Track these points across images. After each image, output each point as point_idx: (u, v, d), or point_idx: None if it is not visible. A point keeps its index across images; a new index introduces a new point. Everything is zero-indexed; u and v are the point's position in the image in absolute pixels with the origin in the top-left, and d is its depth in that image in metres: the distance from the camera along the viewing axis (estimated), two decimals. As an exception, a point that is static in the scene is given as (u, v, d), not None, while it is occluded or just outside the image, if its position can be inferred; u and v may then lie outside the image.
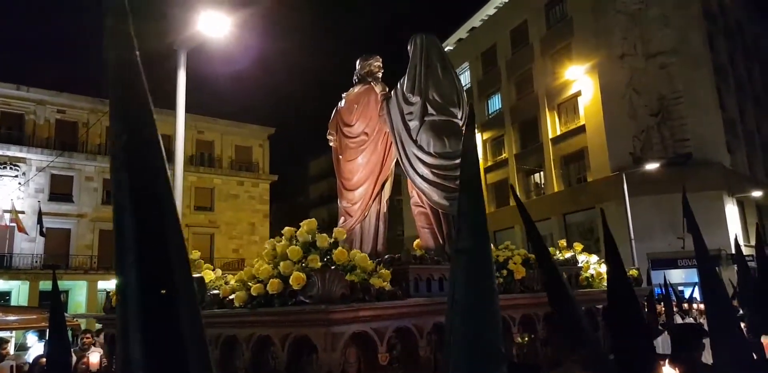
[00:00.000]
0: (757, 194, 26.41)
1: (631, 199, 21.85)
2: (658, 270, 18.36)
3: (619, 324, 2.44)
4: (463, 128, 4.65)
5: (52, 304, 4.58)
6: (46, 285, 27.40)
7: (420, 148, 4.50)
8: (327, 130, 5.37)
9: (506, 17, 33.45)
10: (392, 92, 4.91)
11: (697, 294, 21.11)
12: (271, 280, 3.18)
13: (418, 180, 4.57)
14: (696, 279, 21.80)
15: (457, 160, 4.38)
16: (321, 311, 2.81)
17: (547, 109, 29.63)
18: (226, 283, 4.07)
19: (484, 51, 34.82)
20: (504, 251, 4.64)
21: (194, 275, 3.89)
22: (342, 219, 5.11)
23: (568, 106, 29.12)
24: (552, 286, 2.11)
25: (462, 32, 38.04)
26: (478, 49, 35.36)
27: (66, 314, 8.59)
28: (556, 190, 28.83)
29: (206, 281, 4.08)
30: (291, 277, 3.05)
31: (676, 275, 21.47)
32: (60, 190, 30.43)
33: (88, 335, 8.70)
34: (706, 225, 22.80)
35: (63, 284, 27.20)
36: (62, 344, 4.14)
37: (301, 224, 3.46)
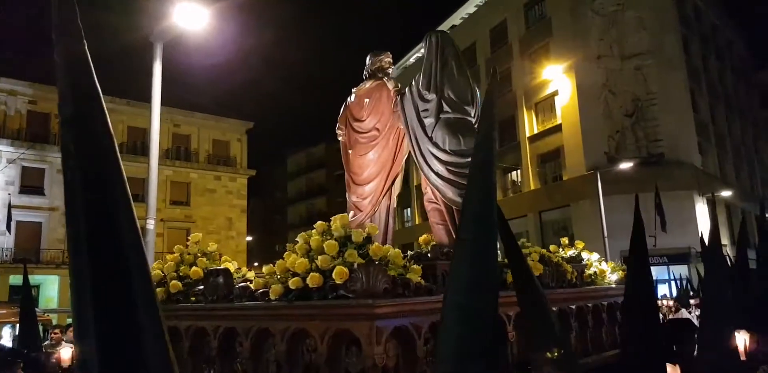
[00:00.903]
0: (726, 193, 27.06)
1: (605, 197, 22.21)
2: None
3: (637, 324, 2.47)
4: (476, 125, 4.69)
5: (23, 298, 4.51)
6: (16, 279, 26.86)
7: (435, 145, 4.53)
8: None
9: (486, 16, 33.65)
10: (407, 89, 4.94)
11: (667, 291, 21.59)
12: (311, 274, 3.18)
13: (433, 177, 4.60)
14: (666, 276, 22.30)
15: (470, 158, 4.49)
16: (367, 305, 2.85)
17: (524, 108, 29.94)
18: (243, 276, 4.03)
19: (464, 49, 34.95)
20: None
21: (219, 268, 3.86)
22: (351, 213, 5.07)
23: (545, 106, 29.44)
24: (522, 285, 2.13)
25: (443, 29, 38.20)
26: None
27: (37, 309, 8.47)
28: (532, 188, 29.17)
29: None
30: (334, 271, 3.06)
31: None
32: (31, 182, 29.81)
33: (57, 331, 8.58)
34: (677, 223, 23.40)
35: (34, 279, 26.70)
36: (32, 339, 4.09)
37: (332, 218, 3.50)
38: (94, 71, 1.13)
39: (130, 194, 1.13)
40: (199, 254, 4.38)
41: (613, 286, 5.65)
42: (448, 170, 4.52)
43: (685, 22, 29.28)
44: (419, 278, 3.38)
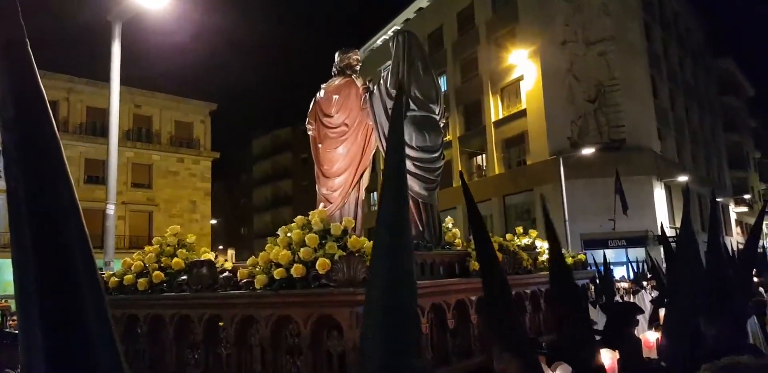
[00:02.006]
0: (683, 178, 27.92)
1: (567, 182, 22.67)
2: (590, 250, 19.24)
3: (561, 305, 2.59)
4: (441, 123, 5.00)
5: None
6: (-29, 264, 26.05)
7: None
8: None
9: (453, -1, 33.56)
10: (375, 87, 5.12)
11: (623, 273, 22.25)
12: (295, 265, 3.39)
13: None
14: (624, 259, 22.99)
15: (436, 154, 4.81)
16: (349, 293, 3.10)
17: (490, 93, 30.13)
18: (221, 266, 4.21)
19: (431, 32, 34.88)
20: None
21: (203, 259, 4.04)
22: (321, 205, 5.33)
23: (510, 91, 29.69)
24: (488, 270, 2.18)
25: (409, 12, 37.94)
26: (425, 30, 35.35)
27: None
28: (497, 172, 29.53)
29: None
30: (317, 263, 3.29)
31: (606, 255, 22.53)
32: (-16, 164, 28.78)
33: (15, 318, 8.41)
34: (636, 207, 24.04)
35: (-11, 263, 25.95)
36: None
37: (311, 213, 3.71)
38: (36, 67, 1.07)
39: (77, 200, 1.09)
40: (177, 246, 4.50)
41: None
42: (414, 165, 4.73)
43: (647, 9, 29.77)
44: None
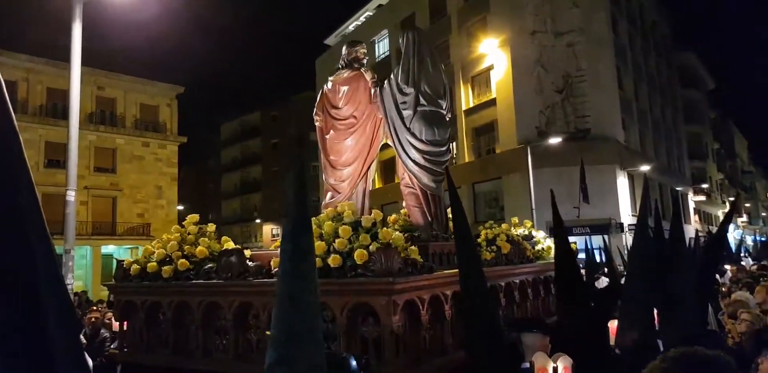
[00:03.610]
0: (645, 168, 28.68)
1: (535, 170, 23.08)
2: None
3: (567, 291, 2.71)
4: (447, 117, 5.26)
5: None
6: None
7: (413, 135, 4.96)
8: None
9: (425, -14, 33.46)
10: (386, 82, 5.27)
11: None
12: (332, 255, 3.58)
13: (410, 164, 5.03)
14: (588, 246, 23.50)
15: (444, 147, 5.07)
16: (387, 282, 3.31)
17: (461, 82, 30.29)
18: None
19: (403, 19, 34.74)
20: (491, 230, 5.25)
21: (233, 248, 4.15)
22: (329, 194, 5.48)
23: (481, 80, 29.90)
24: (466, 261, 2.26)
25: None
26: (397, 18, 35.23)
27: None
28: (467, 160, 29.83)
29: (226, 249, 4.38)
30: (355, 254, 3.49)
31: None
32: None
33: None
34: (600, 196, 24.65)
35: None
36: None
37: (340, 205, 3.96)
38: None
39: (38, 198, 1.09)
40: (198, 234, 4.59)
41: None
42: (424, 158, 4.98)
43: (614, 2, 30.22)
44: (420, 258, 3.88)
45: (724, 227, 4.12)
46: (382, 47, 37.44)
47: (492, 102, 28.49)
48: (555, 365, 2.64)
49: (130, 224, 33.65)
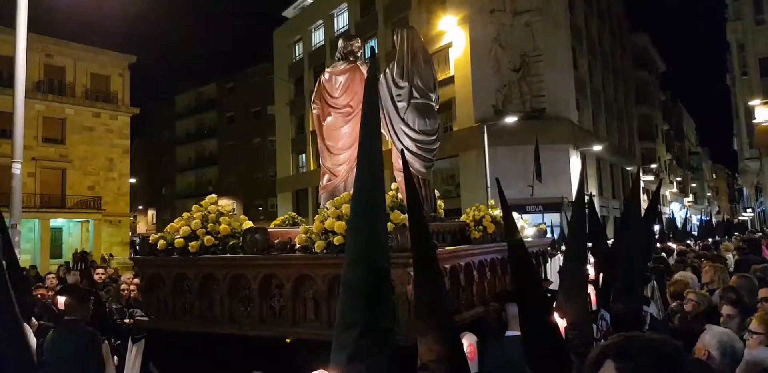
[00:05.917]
0: (597, 148, 29.58)
1: (490, 149, 23.54)
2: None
3: (518, 273, 3.00)
4: (435, 108, 5.71)
5: None
6: None
7: (407, 125, 5.44)
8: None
9: (387, -40, 33.03)
10: (381, 75, 5.65)
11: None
12: None
13: (404, 151, 5.42)
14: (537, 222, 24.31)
15: (434, 136, 5.53)
16: (404, 257, 3.62)
17: (420, 58, 30.28)
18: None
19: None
20: (477, 212, 5.64)
21: (257, 226, 4.67)
22: (326, 177, 5.93)
23: (440, 57, 29.96)
24: (420, 244, 2.43)
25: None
26: (357, -10, 34.80)
27: None
28: (423, 137, 30.06)
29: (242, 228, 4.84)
30: None
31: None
32: None
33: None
34: (553, 174, 25.33)
35: None
36: None
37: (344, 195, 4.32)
38: None
39: None
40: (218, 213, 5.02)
41: (530, 239, 6.62)
42: (416, 146, 5.45)
43: (572, -18, 30.61)
44: None
45: (653, 205, 4.45)
46: (341, 22, 36.98)
47: (450, 80, 28.68)
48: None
49: (80, 196, 32.84)
